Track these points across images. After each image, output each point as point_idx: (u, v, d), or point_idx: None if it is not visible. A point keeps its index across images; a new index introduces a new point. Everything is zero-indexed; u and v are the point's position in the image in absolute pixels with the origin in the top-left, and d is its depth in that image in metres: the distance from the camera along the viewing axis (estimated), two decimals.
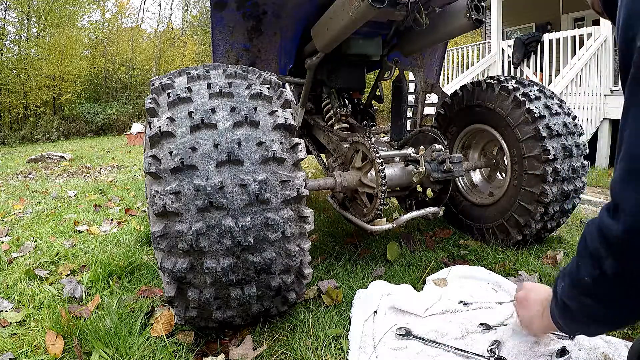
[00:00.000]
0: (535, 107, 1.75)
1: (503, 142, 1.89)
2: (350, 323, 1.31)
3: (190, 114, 1.12)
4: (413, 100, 2.44)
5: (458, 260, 1.86)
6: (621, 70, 0.64)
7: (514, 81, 1.90)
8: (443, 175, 1.68)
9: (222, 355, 1.19)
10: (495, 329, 1.22)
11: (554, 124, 1.75)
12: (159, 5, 42.51)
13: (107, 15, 24.20)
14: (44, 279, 1.82)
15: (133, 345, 1.24)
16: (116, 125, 19.02)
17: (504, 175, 2.09)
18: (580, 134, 1.86)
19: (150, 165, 1.08)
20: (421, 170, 1.64)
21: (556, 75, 5.59)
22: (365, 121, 2.54)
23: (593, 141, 5.25)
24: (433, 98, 2.89)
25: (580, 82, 5.20)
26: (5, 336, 1.36)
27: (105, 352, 1.21)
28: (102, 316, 1.39)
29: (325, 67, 2.18)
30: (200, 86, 1.22)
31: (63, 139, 16.81)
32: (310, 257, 1.23)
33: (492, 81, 1.93)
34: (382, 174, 1.50)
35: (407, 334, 1.22)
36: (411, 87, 3.42)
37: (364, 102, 2.62)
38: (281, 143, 1.16)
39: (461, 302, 1.37)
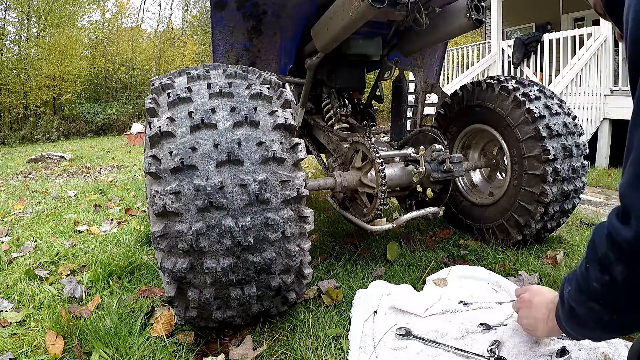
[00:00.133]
0: (535, 107, 1.75)
1: (503, 142, 1.89)
2: (350, 323, 1.31)
3: (190, 114, 1.12)
4: (413, 100, 2.44)
5: (458, 260, 1.86)
6: (630, 71, 0.63)
7: (514, 81, 1.90)
8: (443, 175, 1.68)
9: (222, 355, 1.19)
10: (495, 329, 1.22)
11: (554, 124, 1.75)
12: (159, 5, 42.53)
13: (107, 15, 24.25)
14: (44, 279, 1.82)
15: (133, 345, 1.24)
16: (116, 125, 19.02)
17: (504, 175, 2.09)
18: (580, 134, 1.86)
19: (150, 165, 1.08)
20: (421, 170, 1.64)
21: (556, 75, 5.60)
22: (365, 121, 2.54)
23: (593, 141, 5.25)
24: (433, 98, 2.89)
25: (580, 82, 5.20)
26: (5, 336, 1.36)
27: (105, 352, 1.21)
28: (102, 316, 1.39)
29: (325, 67, 2.18)
30: (200, 86, 1.22)
31: (63, 139, 16.81)
32: (310, 257, 1.23)
33: (492, 81, 1.93)
34: (382, 174, 1.50)
35: (407, 334, 1.22)
36: (411, 87, 3.42)
37: (364, 102, 2.62)
38: (281, 143, 1.16)
39: (461, 302, 1.37)
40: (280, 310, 1.29)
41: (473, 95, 2.00)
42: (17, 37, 19.62)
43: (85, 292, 1.66)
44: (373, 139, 2.08)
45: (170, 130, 1.10)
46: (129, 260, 1.89)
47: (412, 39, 2.03)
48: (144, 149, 1.44)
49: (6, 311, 1.53)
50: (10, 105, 18.10)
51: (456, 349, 1.14)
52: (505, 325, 1.22)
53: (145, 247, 2.14)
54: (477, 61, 7.34)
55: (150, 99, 1.22)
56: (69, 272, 1.89)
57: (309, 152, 2.34)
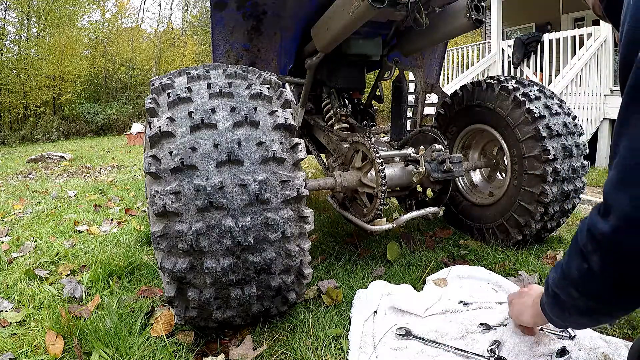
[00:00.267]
0: (535, 107, 1.75)
1: (503, 142, 1.89)
2: (350, 323, 1.31)
3: (190, 114, 1.12)
4: (413, 100, 2.44)
5: (458, 260, 1.86)
6: (621, 75, 0.67)
7: (514, 81, 1.90)
8: (443, 175, 1.68)
9: (222, 355, 1.19)
10: (495, 329, 1.22)
11: (554, 124, 1.75)
12: (159, 5, 42.55)
13: (107, 15, 24.23)
14: (44, 279, 1.82)
15: (133, 345, 1.24)
16: (116, 125, 19.02)
17: (504, 175, 2.09)
18: (580, 134, 1.86)
19: (150, 165, 1.08)
20: (421, 170, 1.64)
21: (556, 75, 5.60)
22: (365, 121, 2.53)
23: (593, 141, 5.25)
24: (433, 98, 2.89)
25: (580, 82, 5.20)
26: (5, 336, 1.36)
27: (105, 352, 1.21)
28: (102, 316, 1.39)
29: (325, 67, 2.18)
30: (200, 86, 1.22)
31: (63, 139, 16.81)
32: (310, 257, 1.23)
33: (492, 81, 1.93)
34: (382, 174, 1.50)
35: (407, 334, 1.22)
36: (411, 87, 3.42)
37: (364, 102, 2.62)
38: (281, 143, 1.16)
39: (461, 302, 1.37)
40: (280, 310, 1.29)
41: (473, 95, 2.00)
42: (17, 37, 19.63)
43: (85, 292, 1.66)
44: (373, 139, 2.08)
45: (170, 130, 1.10)
46: (129, 260, 1.89)
47: (412, 39, 2.03)
48: (144, 149, 1.44)
49: (6, 311, 1.53)
50: (10, 105, 18.10)
51: (456, 349, 1.14)
52: (505, 325, 1.22)
53: (145, 247, 2.14)
54: (477, 61, 7.34)
55: (150, 99, 1.22)
56: (69, 272, 1.89)
57: (309, 152, 2.34)
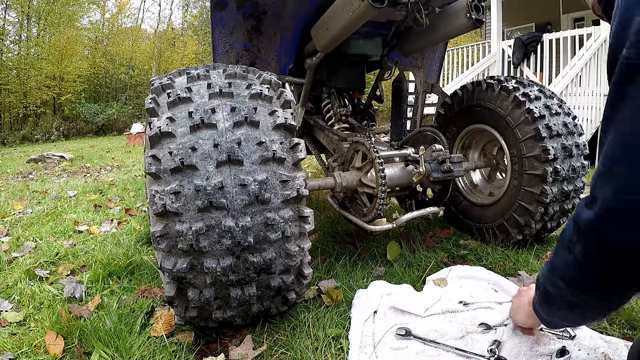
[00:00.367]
0: (535, 107, 1.75)
1: (503, 142, 1.89)
2: (350, 323, 1.31)
3: (190, 114, 1.12)
4: (413, 100, 2.44)
5: (458, 260, 1.86)
6: (608, 73, 0.69)
7: (514, 81, 1.90)
8: (443, 175, 1.68)
9: (222, 355, 1.19)
10: (495, 329, 1.22)
11: (554, 124, 1.75)
12: (159, 5, 42.55)
13: (107, 15, 24.22)
14: (44, 279, 1.82)
15: (133, 345, 1.24)
16: (116, 125, 19.01)
17: (504, 175, 2.09)
18: (580, 134, 1.86)
19: (150, 165, 1.08)
20: (421, 170, 1.64)
21: (556, 75, 5.59)
22: (365, 121, 2.53)
23: (593, 141, 5.24)
24: (433, 98, 2.90)
25: (580, 82, 5.20)
26: (5, 336, 1.36)
27: (105, 352, 1.21)
28: (102, 316, 1.39)
29: (325, 67, 2.18)
30: (200, 86, 1.22)
31: (63, 139, 16.80)
32: (310, 257, 1.23)
33: (492, 81, 1.93)
34: (382, 174, 1.50)
35: (407, 334, 1.22)
36: (411, 87, 3.42)
37: (364, 102, 2.62)
38: (281, 143, 1.16)
39: (461, 302, 1.37)
40: (280, 310, 1.29)
41: (473, 95, 2.00)
42: (17, 37, 19.62)
43: (85, 292, 1.66)
44: (373, 139, 2.08)
45: (170, 130, 1.10)
46: (129, 260, 1.89)
47: (412, 39, 2.03)
48: (144, 149, 1.44)
49: (6, 311, 1.53)
50: (10, 105, 18.10)
51: (456, 349, 1.14)
52: (505, 325, 1.22)
53: (145, 247, 2.14)
54: (477, 61, 7.33)
55: (150, 99, 1.22)
56: (69, 272, 1.89)
57: (309, 152, 2.34)
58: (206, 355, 1.20)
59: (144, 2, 42.13)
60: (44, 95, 18.30)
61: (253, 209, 1.08)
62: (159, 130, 1.10)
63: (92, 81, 21.55)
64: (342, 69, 2.22)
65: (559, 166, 1.73)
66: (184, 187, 1.05)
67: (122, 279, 1.78)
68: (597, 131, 5.32)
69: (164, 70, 22.66)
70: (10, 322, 1.45)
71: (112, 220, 2.79)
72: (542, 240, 2.00)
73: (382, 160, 1.53)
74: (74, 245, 2.28)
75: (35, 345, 1.29)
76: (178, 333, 1.30)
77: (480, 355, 1.10)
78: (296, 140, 1.20)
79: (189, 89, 1.20)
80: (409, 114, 2.39)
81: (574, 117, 1.87)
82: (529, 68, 6.57)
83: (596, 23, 6.33)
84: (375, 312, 1.34)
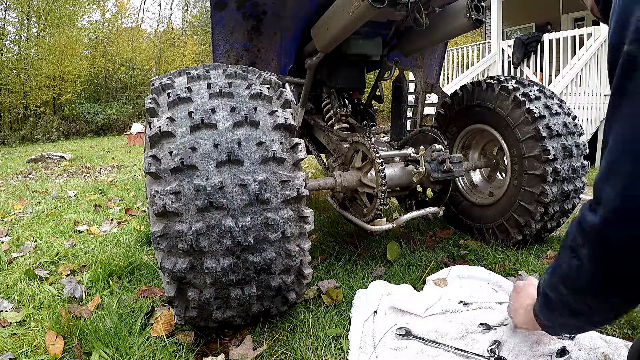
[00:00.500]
0: (535, 107, 1.75)
1: (503, 142, 1.89)
2: (350, 323, 1.31)
3: (190, 114, 1.12)
4: (413, 100, 2.44)
5: (458, 260, 1.86)
6: (609, 73, 0.68)
7: (514, 81, 1.90)
8: (443, 175, 1.68)
9: (222, 355, 1.19)
10: (495, 329, 1.22)
11: (554, 124, 1.75)
12: (159, 5, 42.55)
13: (107, 15, 24.23)
14: (44, 279, 1.82)
15: (133, 345, 1.24)
16: (116, 125, 19.01)
17: (504, 175, 2.09)
18: (580, 134, 1.86)
19: (150, 165, 1.08)
20: (421, 170, 1.64)
21: (556, 75, 5.59)
22: (365, 121, 2.53)
23: (593, 141, 5.25)
24: (433, 98, 2.90)
25: (580, 82, 5.20)
26: (5, 336, 1.36)
27: (105, 352, 1.21)
28: (102, 316, 1.39)
29: (325, 67, 2.18)
30: (200, 86, 1.22)
31: (63, 139, 16.80)
32: (310, 257, 1.23)
33: (492, 81, 1.93)
34: (382, 174, 1.50)
35: (407, 334, 1.22)
36: (411, 87, 3.42)
37: (364, 102, 2.62)
38: (281, 143, 1.16)
39: (461, 302, 1.37)
40: (280, 310, 1.29)
41: (473, 95, 2.00)
42: (17, 37, 19.62)
43: (85, 292, 1.66)
44: (373, 139, 2.08)
45: (170, 130, 1.10)
46: (129, 260, 1.89)
47: (412, 39, 2.03)
48: (144, 149, 1.44)
49: (6, 311, 1.53)
50: (10, 105, 18.10)
51: (456, 349, 1.14)
52: (505, 325, 1.22)
53: (145, 247, 2.14)
54: (477, 61, 7.33)
55: (150, 99, 1.22)
56: (69, 272, 1.89)
57: (309, 152, 2.34)
58: (206, 355, 1.20)
59: (144, 2, 42.17)
60: (44, 95, 18.30)
61: (253, 209, 1.08)
62: (159, 130, 1.10)
63: (92, 81, 21.55)
64: (342, 69, 2.22)
65: (559, 166, 1.73)
66: (184, 187, 1.05)
67: (122, 279, 1.78)
68: (597, 131, 5.32)
69: (164, 70, 22.66)
70: (10, 322, 1.45)
71: (112, 220, 2.79)
72: (542, 240, 2.00)
73: (382, 160, 1.54)
74: (74, 245, 2.28)
75: (35, 345, 1.29)
76: (178, 333, 1.30)
77: (480, 355, 1.10)
78: (296, 140, 1.20)
79: (189, 89, 1.20)
80: (409, 114, 2.39)
81: (574, 117, 1.87)
82: (529, 68, 6.57)
83: (596, 23, 6.33)
84: (375, 312, 1.34)
